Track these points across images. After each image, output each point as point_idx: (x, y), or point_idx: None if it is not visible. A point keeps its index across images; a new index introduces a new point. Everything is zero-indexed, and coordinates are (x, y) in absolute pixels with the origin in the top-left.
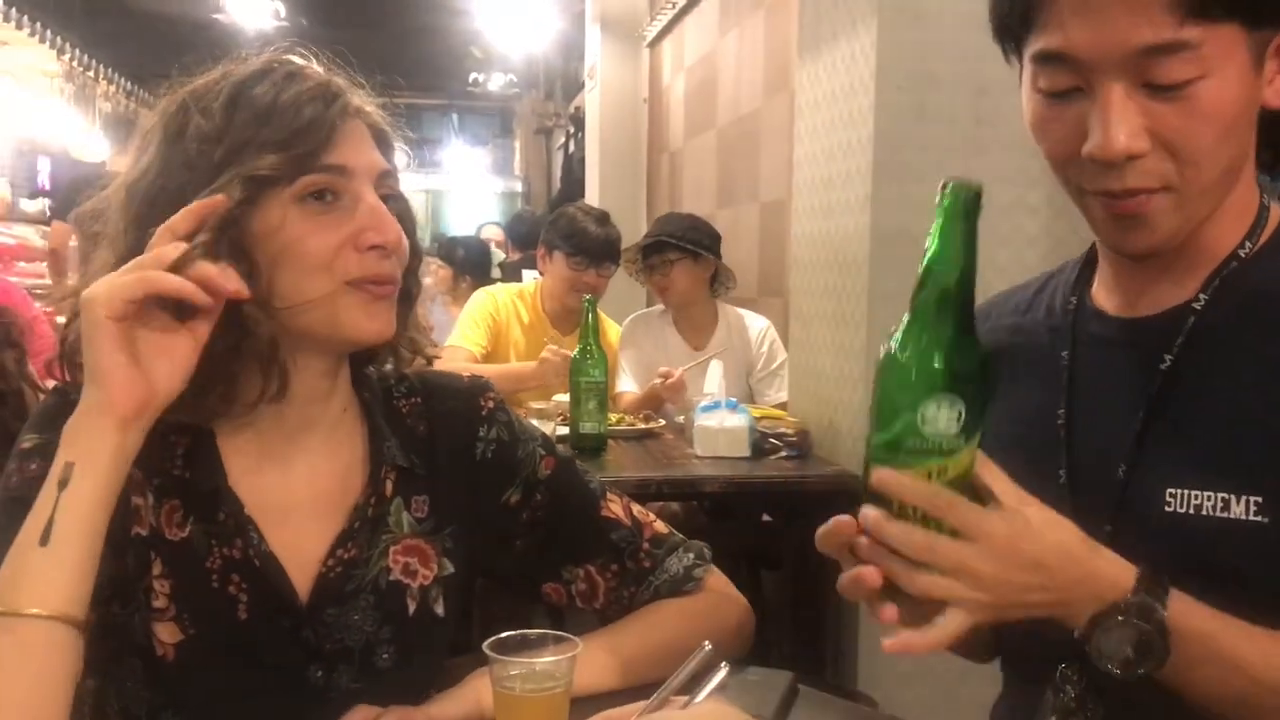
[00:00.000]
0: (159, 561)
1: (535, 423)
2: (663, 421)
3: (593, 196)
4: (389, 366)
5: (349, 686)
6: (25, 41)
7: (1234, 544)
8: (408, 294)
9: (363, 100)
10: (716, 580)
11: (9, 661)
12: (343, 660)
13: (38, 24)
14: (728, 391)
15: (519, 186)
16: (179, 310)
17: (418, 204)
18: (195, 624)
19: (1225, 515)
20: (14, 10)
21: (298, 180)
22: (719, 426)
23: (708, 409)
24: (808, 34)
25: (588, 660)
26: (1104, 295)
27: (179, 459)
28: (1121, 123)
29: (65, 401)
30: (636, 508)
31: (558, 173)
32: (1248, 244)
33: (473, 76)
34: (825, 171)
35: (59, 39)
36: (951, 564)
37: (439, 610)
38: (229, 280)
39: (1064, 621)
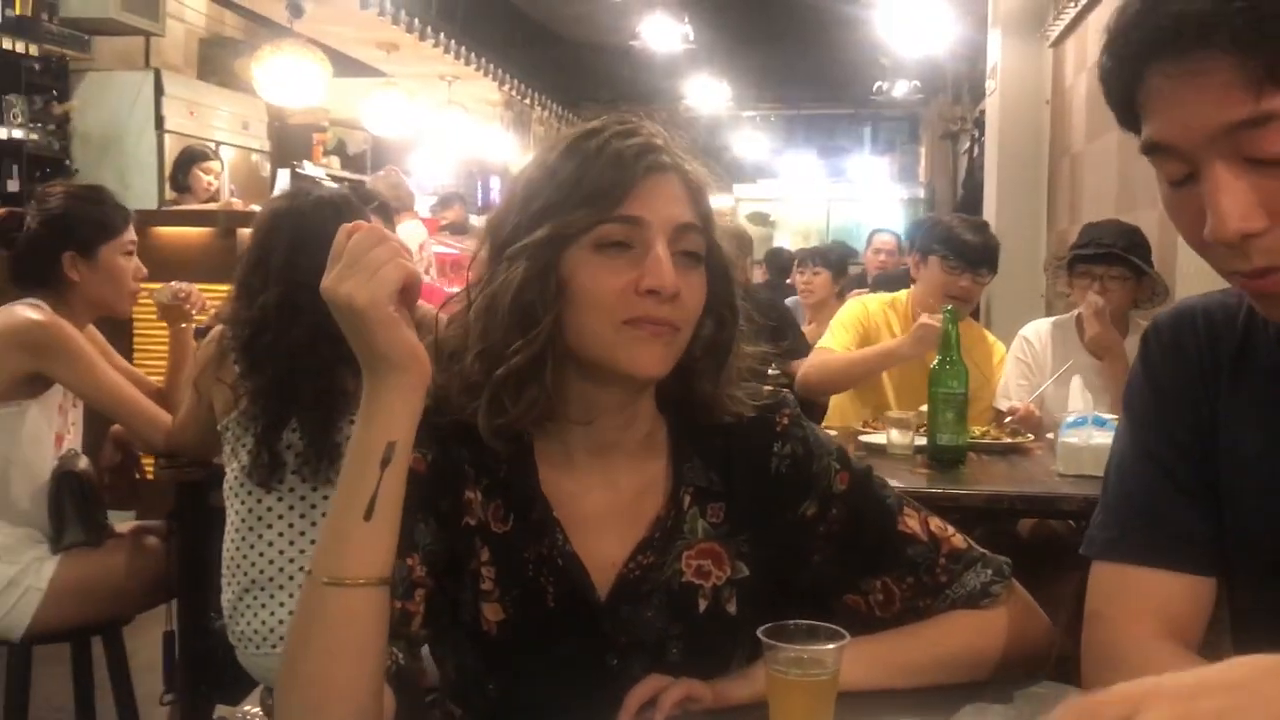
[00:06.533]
0: (486, 549)
1: (895, 433)
2: (1031, 436)
3: (991, 200)
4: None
5: (641, 675)
6: (472, 75)
7: None
8: (719, 349)
9: (682, 156)
10: (1016, 596)
11: (341, 624)
12: (636, 652)
13: (483, 59)
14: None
15: (921, 193)
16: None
17: (818, 214)
18: (514, 607)
19: None
20: (463, 49)
21: (595, 229)
22: (1084, 444)
23: (1074, 424)
24: None
25: (871, 657)
26: None
27: (503, 464)
28: (1230, 204)
29: None
30: (935, 521)
31: (962, 177)
32: None
33: (876, 85)
34: None
35: (500, 71)
36: None
37: (731, 610)
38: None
39: None
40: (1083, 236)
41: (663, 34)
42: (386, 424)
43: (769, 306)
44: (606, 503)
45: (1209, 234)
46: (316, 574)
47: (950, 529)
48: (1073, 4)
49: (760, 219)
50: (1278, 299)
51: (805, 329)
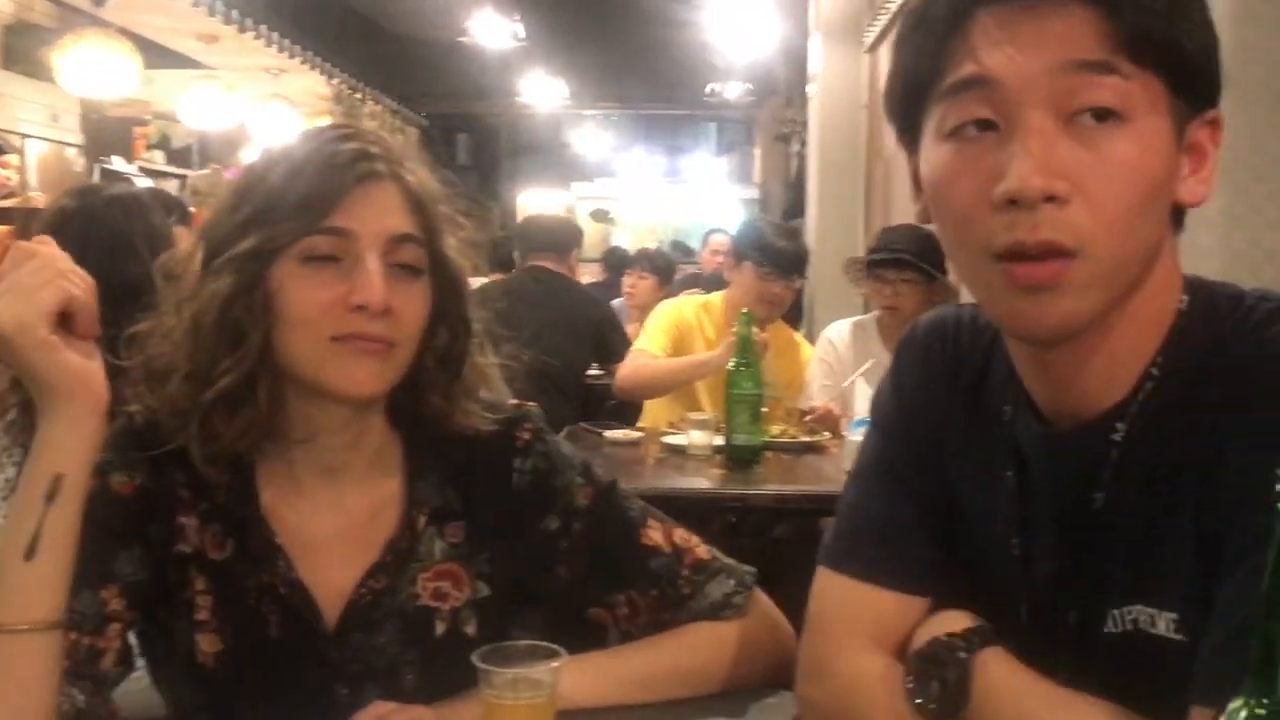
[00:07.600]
0: (202, 578)
1: (696, 434)
2: (830, 435)
3: (813, 201)
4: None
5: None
6: (299, 69)
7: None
8: (452, 362)
9: (404, 165)
10: (759, 606)
11: (1, 673)
12: (368, 680)
13: (309, 53)
14: None
15: (756, 194)
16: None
17: (658, 213)
18: (233, 637)
19: (1154, 632)
20: (287, 41)
21: (301, 241)
22: None
23: (861, 424)
24: None
25: (604, 671)
26: (1037, 399)
27: (221, 487)
28: (1043, 152)
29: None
30: (679, 533)
31: (793, 179)
32: (1160, 359)
33: (709, 87)
34: None
35: (327, 64)
36: None
37: (469, 631)
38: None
39: None
40: (878, 241)
41: (492, 31)
42: (53, 457)
43: (594, 305)
44: (335, 526)
45: (1010, 186)
46: None
47: (695, 540)
48: (886, 10)
49: (601, 216)
50: (1044, 293)
51: (629, 328)
